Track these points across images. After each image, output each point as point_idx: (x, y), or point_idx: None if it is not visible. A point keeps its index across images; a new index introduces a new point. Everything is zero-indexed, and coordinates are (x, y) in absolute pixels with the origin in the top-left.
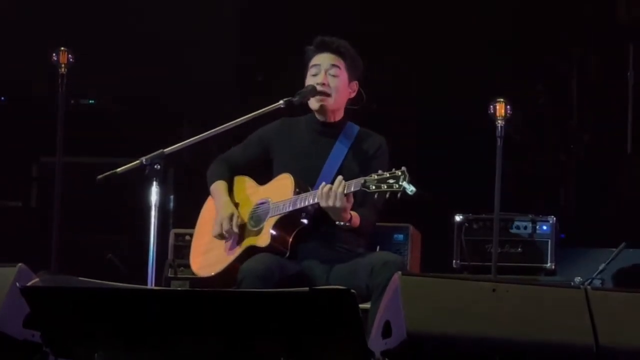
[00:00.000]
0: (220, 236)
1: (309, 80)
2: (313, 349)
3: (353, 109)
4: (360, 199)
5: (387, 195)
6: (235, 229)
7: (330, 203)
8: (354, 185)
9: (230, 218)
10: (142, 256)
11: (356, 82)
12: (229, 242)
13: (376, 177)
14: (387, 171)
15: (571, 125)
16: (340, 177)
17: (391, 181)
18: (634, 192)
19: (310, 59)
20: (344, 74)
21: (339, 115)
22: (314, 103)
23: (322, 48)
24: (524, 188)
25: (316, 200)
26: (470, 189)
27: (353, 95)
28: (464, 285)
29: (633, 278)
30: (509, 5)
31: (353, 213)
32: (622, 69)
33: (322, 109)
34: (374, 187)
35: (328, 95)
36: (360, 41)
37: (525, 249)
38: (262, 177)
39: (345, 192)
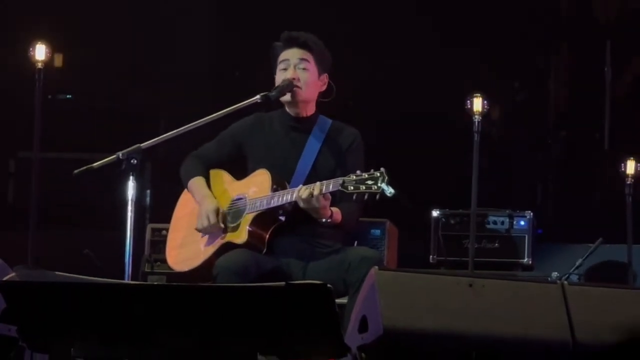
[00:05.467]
0: (205, 230)
1: (279, 76)
2: (289, 344)
3: (326, 102)
4: (339, 197)
5: (366, 197)
6: (221, 224)
7: (309, 205)
8: (332, 184)
9: (216, 212)
10: (119, 251)
11: (326, 74)
12: (206, 237)
13: (354, 177)
14: (364, 167)
15: (548, 121)
16: (318, 183)
17: (370, 182)
18: (610, 188)
19: (278, 54)
20: (313, 68)
21: (311, 110)
22: (286, 96)
23: (290, 43)
24: (501, 183)
25: (294, 199)
26: (448, 184)
27: (324, 88)
28: (441, 281)
29: (610, 273)
30: (487, 0)
31: (334, 209)
32: (600, 65)
33: (294, 101)
34: (352, 188)
35: (299, 88)
36: (335, 33)
37: (503, 244)
38: (238, 171)
39: (323, 192)
